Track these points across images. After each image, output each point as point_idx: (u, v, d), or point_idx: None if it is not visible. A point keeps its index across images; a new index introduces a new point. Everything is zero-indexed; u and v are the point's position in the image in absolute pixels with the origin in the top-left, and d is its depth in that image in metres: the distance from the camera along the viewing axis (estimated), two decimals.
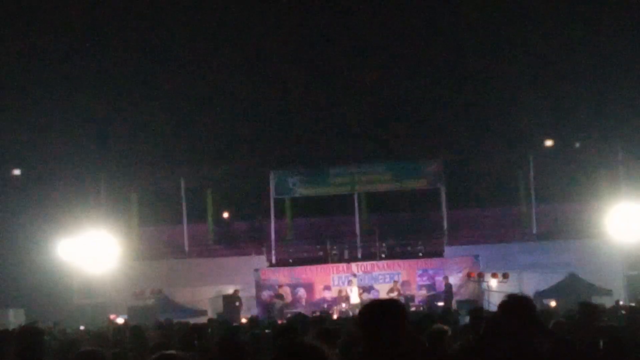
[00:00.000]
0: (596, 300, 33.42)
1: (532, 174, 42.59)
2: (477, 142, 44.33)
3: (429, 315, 18.06)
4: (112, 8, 46.24)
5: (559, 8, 46.69)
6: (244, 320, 28.34)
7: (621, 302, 32.62)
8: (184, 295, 40.85)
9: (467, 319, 14.94)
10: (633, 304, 22.41)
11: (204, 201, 46.27)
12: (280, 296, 39.05)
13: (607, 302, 32.09)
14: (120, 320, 33.53)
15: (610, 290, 37.10)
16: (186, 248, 44.07)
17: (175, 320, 25.35)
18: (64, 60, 45.98)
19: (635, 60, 43.49)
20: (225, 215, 48.54)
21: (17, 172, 44.70)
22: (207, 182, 45.62)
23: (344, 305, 37.30)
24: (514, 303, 6.74)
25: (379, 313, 5.61)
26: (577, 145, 42.89)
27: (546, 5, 46.89)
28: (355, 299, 37.64)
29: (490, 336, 7.00)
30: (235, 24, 48.21)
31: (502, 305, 6.82)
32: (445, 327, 9.50)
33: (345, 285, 38.93)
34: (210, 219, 46.58)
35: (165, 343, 10.83)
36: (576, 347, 7.99)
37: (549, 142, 43.26)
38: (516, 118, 45.11)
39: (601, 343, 9.11)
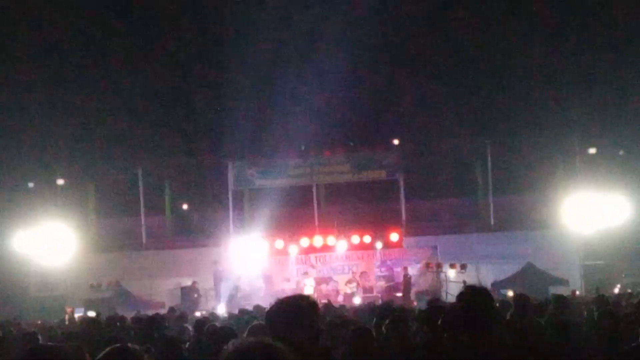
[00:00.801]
0: (553, 290, 33.83)
1: (489, 165, 42.82)
2: (435, 133, 44.48)
3: (389, 305, 18.12)
4: None
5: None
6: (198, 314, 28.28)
7: (577, 292, 32.99)
8: (141, 288, 40.60)
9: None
10: (595, 296, 22.51)
11: (162, 193, 46.04)
12: (237, 288, 38.94)
13: (564, 292, 32.42)
14: (79, 314, 33.34)
15: (567, 280, 37.45)
16: (144, 240, 43.82)
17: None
18: (23, 52, 45.50)
19: (582, 50, 44.00)
20: (184, 207, 48.34)
21: None
22: (165, 174, 45.41)
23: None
24: (473, 294, 6.74)
25: (284, 311, 5.51)
26: (535, 137, 43.10)
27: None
28: (309, 290, 37.68)
29: (449, 327, 6.99)
30: (194, 11, 47.92)
31: (461, 297, 6.81)
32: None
33: (298, 277, 38.96)
34: (168, 210, 46.37)
35: (116, 337, 10.73)
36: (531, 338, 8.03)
37: (507, 133, 43.47)
38: (474, 109, 45.37)
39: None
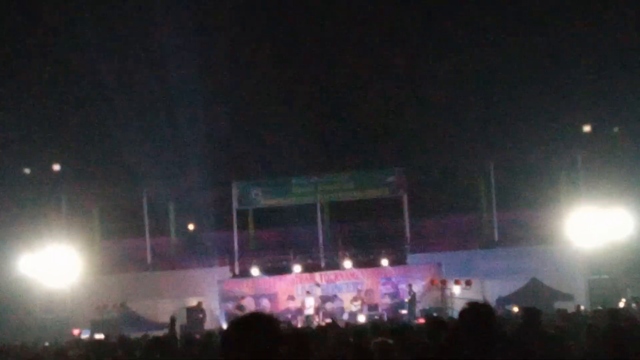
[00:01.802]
0: (558, 305, 33.80)
1: (493, 181, 42.88)
2: (438, 151, 44.56)
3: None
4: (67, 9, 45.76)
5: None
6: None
7: (582, 307, 32.95)
8: (147, 308, 40.61)
9: None
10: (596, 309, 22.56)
11: (167, 214, 46.13)
12: (241, 307, 38.99)
13: (569, 307, 32.43)
14: (85, 335, 33.37)
15: (572, 295, 37.40)
16: (149, 261, 43.89)
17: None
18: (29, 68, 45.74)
19: (584, 65, 44.12)
20: (189, 227, 48.40)
21: None
22: (169, 195, 45.50)
23: (298, 317, 37.40)
24: (474, 311, 6.81)
25: (244, 329, 5.29)
26: (538, 152, 43.14)
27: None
28: (310, 310, 37.73)
29: (452, 343, 7.08)
30: (193, 32, 48.06)
31: (462, 314, 6.89)
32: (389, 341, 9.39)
33: (303, 296, 39.01)
34: (173, 231, 46.44)
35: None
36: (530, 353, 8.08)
37: (510, 150, 43.53)
38: (476, 125, 45.45)
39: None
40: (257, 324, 5.28)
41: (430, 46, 48.29)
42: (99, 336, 30.27)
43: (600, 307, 30.16)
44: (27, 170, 44.88)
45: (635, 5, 44.33)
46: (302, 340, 8.44)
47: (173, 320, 18.51)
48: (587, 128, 43.75)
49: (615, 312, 16.94)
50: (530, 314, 11.06)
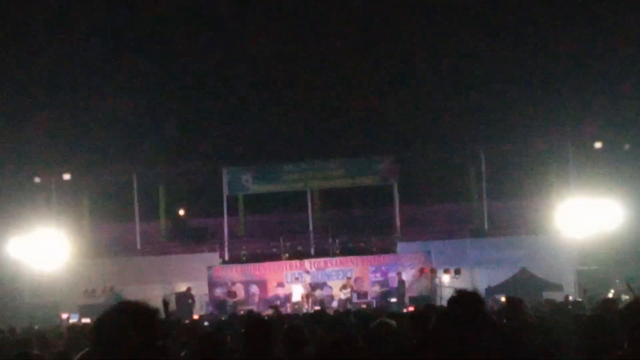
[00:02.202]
0: (547, 295, 33.86)
1: (483, 170, 42.90)
2: (429, 139, 44.58)
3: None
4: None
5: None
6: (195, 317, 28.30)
7: (571, 298, 33.00)
8: (136, 293, 40.29)
9: None
10: (580, 299, 22.60)
11: (157, 198, 46.07)
12: (232, 294, 38.99)
13: (558, 297, 32.47)
14: (74, 320, 33.29)
15: (561, 286, 37.45)
16: (138, 245, 43.82)
17: None
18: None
19: (575, 56, 44.15)
20: (179, 212, 48.36)
21: None
22: (159, 179, 45.45)
23: (287, 304, 37.41)
24: (463, 298, 6.78)
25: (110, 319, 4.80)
26: (529, 142, 43.15)
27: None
28: (297, 297, 37.72)
29: (440, 330, 7.04)
30: (183, 19, 47.99)
31: (451, 301, 6.86)
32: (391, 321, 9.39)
33: (291, 283, 39.02)
34: (163, 216, 46.38)
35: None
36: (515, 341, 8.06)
37: (501, 139, 43.56)
38: (468, 114, 45.47)
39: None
40: (127, 316, 4.70)
41: (421, 33, 48.24)
42: (86, 320, 30.20)
43: (579, 299, 30.33)
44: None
45: None
46: (263, 330, 8.36)
47: (166, 303, 18.27)
48: (574, 116, 43.75)
49: (611, 302, 16.92)
50: (512, 303, 11.15)
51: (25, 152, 42.71)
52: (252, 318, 9.51)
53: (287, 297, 38.46)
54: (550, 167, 43.69)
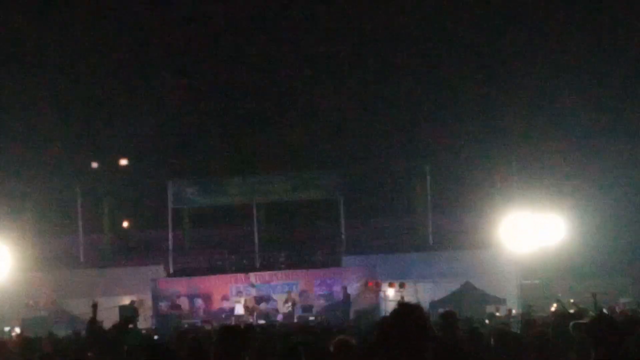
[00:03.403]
0: (490, 309, 34.16)
1: (428, 184, 43.15)
2: (375, 153, 44.79)
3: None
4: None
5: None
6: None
7: (514, 311, 33.31)
8: (79, 307, 39.98)
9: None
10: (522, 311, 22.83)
11: (102, 211, 45.68)
12: (175, 307, 38.75)
13: (502, 311, 32.78)
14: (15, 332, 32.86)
15: (504, 299, 37.78)
16: (82, 258, 43.39)
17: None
18: None
19: (529, 71, 44.69)
20: (124, 225, 48.00)
21: None
22: (104, 192, 45.09)
23: (232, 317, 37.07)
24: (405, 310, 6.83)
25: None
26: (473, 157, 43.54)
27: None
28: (239, 310, 37.57)
29: (382, 343, 7.09)
30: (135, 28, 47.78)
31: (394, 313, 6.91)
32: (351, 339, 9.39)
33: (234, 296, 38.88)
34: (107, 228, 45.98)
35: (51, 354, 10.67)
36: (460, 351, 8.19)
37: (445, 154, 43.91)
38: (412, 129, 45.78)
39: None
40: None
41: (369, 48, 48.55)
42: (28, 334, 29.80)
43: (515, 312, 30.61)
44: None
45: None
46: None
47: (94, 306, 18.09)
48: (518, 133, 44.24)
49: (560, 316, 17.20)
50: (446, 317, 11.42)
51: None
52: (226, 327, 9.48)
53: (232, 311, 38.30)
54: (493, 182, 44.04)
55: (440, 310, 33.73)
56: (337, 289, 39.35)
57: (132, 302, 38.00)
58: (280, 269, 40.56)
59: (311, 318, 35.51)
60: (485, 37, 46.95)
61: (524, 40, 46.01)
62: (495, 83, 45.83)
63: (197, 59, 48.45)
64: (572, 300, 34.90)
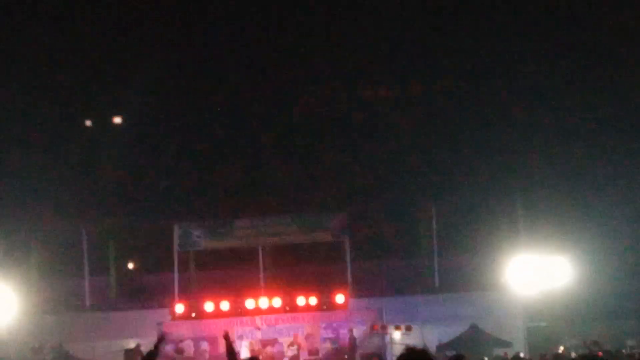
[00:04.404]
0: (497, 352, 34.02)
1: (434, 226, 43.11)
2: (380, 195, 44.80)
3: None
4: None
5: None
6: None
7: (521, 354, 33.19)
8: (84, 350, 39.99)
9: None
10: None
11: (107, 253, 45.65)
12: (179, 350, 38.56)
13: (509, 354, 32.65)
14: None
15: (511, 342, 37.63)
16: (87, 301, 43.31)
17: None
18: None
19: (535, 112, 44.85)
20: (129, 267, 47.96)
21: None
22: (110, 234, 45.10)
23: None
24: (411, 355, 6.84)
25: None
26: (479, 199, 43.55)
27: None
28: (245, 353, 37.37)
29: None
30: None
31: (400, 358, 6.91)
32: None
33: (240, 340, 38.67)
34: (112, 271, 45.93)
35: None
36: None
37: (451, 195, 43.91)
38: (418, 170, 45.82)
39: None
40: None
41: (372, 83, 48.81)
42: None
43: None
44: None
45: None
46: None
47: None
48: (525, 175, 44.29)
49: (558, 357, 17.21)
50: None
51: None
52: None
53: (239, 354, 38.05)
54: (499, 224, 44.01)
55: (449, 353, 33.80)
56: (343, 332, 39.17)
57: (138, 346, 37.89)
58: (286, 311, 40.38)
59: None
60: (491, 76, 47.14)
61: (531, 80, 46.18)
62: (502, 125, 45.90)
63: (202, 97, 48.67)
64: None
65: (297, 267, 44.65)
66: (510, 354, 33.96)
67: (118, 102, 48.21)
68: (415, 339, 35.56)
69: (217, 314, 40.33)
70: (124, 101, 48.06)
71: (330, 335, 39.54)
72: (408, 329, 37.83)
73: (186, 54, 48.68)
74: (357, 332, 38.72)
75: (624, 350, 32.93)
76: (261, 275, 42.94)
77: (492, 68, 47.23)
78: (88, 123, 48.17)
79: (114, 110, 48.14)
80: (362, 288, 43.00)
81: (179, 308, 39.88)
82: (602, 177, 43.58)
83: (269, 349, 38.47)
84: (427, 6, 47.80)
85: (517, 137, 44.73)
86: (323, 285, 42.41)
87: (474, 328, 39.01)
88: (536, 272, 39.59)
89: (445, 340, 38.28)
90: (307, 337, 39.24)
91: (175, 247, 43.11)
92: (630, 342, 38.17)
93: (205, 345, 39.33)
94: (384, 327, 38.53)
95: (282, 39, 48.85)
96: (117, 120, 48.58)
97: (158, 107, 48.56)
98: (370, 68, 48.85)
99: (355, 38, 48.41)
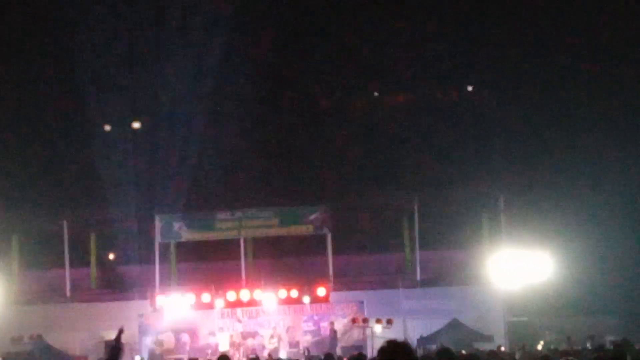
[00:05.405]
0: (477, 346, 34.05)
1: (416, 220, 43.14)
2: (362, 189, 44.80)
3: None
4: None
5: None
6: None
7: (502, 348, 33.23)
8: (64, 341, 39.84)
9: None
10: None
11: (88, 245, 45.48)
12: (159, 342, 38.44)
13: (490, 348, 32.68)
14: None
15: (492, 336, 37.71)
16: (68, 292, 43.14)
17: None
18: None
19: (517, 107, 44.90)
20: (110, 259, 47.80)
21: None
22: (90, 225, 44.92)
23: (209, 352, 36.90)
24: (393, 348, 6.79)
25: None
26: (461, 194, 43.61)
27: None
28: (225, 346, 37.29)
29: None
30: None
31: (381, 351, 6.86)
32: None
33: (217, 333, 38.63)
34: (93, 262, 45.76)
35: None
36: None
37: (433, 190, 43.95)
38: (401, 165, 45.85)
39: None
40: None
41: (360, 82, 48.76)
42: None
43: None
44: None
45: None
46: None
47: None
48: (507, 169, 44.40)
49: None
50: (443, 355, 11.38)
51: None
52: None
53: (219, 346, 38.06)
54: (482, 218, 44.10)
55: (429, 347, 33.84)
56: (324, 325, 39.17)
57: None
58: (267, 304, 40.32)
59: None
60: (475, 73, 47.21)
61: (513, 77, 46.26)
62: (483, 120, 45.99)
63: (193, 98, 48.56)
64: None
65: (279, 260, 44.61)
66: (491, 348, 34.01)
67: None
68: (396, 333, 35.61)
69: (198, 306, 40.23)
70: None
71: (312, 328, 39.55)
72: (389, 322, 37.86)
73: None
74: (338, 325, 38.73)
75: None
76: (242, 267, 42.87)
77: (472, 66, 47.33)
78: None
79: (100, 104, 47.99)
80: (344, 281, 43.01)
81: (160, 300, 39.76)
82: (584, 173, 43.71)
83: (249, 341, 38.42)
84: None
85: (498, 133, 44.83)
86: (304, 278, 42.37)
87: (455, 322, 39.07)
88: (517, 267, 39.69)
89: (426, 333, 38.33)
90: (288, 329, 39.24)
91: (157, 238, 42.97)
92: (610, 337, 38.30)
93: (185, 337, 39.24)
94: (365, 321, 38.56)
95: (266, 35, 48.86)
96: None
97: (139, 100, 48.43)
98: (351, 67, 48.83)
99: (334, 38, 48.50)
